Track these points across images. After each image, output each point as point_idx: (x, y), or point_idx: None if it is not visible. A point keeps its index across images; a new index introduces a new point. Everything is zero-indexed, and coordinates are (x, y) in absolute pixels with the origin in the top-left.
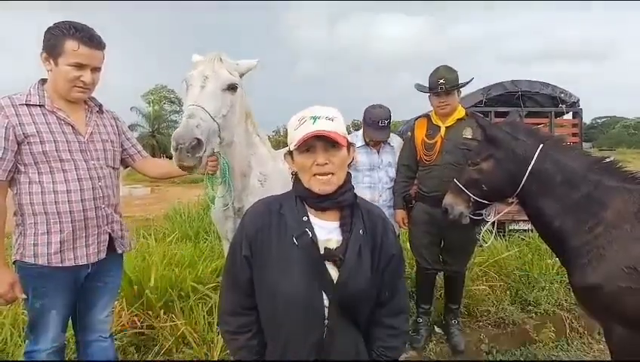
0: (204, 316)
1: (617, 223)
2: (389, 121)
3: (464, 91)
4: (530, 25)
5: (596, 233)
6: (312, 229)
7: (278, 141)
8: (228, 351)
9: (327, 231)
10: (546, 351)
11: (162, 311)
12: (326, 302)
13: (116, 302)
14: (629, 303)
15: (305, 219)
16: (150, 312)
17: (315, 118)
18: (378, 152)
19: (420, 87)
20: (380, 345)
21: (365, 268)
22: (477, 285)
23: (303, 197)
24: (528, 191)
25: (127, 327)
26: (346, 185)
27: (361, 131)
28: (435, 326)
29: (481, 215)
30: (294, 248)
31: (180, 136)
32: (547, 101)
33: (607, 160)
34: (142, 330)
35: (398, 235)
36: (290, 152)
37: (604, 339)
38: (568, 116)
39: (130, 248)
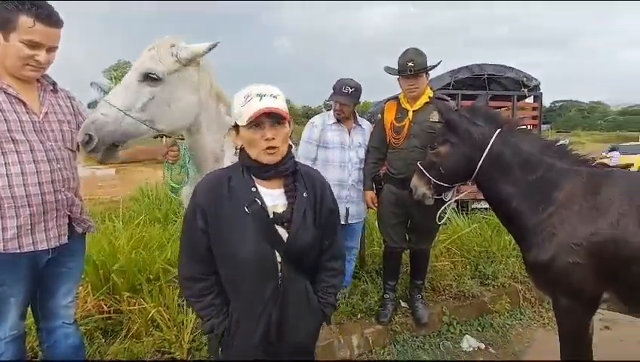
0: (174, 298)
1: (568, 204)
2: (356, 90)
3: (433, 73)
4: (498, 13)
5: (549, 213)
6: (260, 198)
7: None
8: (199, 332)
9: (273, 197)
10: (502, 320)
11: (130, 295)
12: (278, 258)
13: (81, 288)
14: (574, 277)
15: (253, 189)
16: (117, 296)
17: (260, 96)
18: (349, 132)
19: (389, 70)
20: (324, 285)
21: (309, 225)
22: (440, 261)
23: (249, 168)
24: (486, 174)
25: (93, 312)
26: (288, 155)
27: (332, 112)
28: (401, 301)
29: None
30: (246, 216)
31: (79, 131)
32: (511, 84)
33: (560, 143)
34: (109, 315)
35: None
36: (235, 127)
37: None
38: (531, 99)
39: (92, 230)
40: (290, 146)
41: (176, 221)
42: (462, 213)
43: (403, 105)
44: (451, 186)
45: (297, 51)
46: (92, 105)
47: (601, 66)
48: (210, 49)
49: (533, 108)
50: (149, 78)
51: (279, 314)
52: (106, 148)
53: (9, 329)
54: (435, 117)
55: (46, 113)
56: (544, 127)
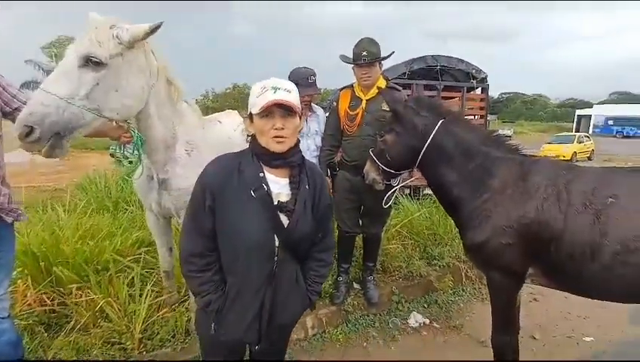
0: (124, 288)
1: (501, 189)
2: (316, 79)
3: (389, 63)
4: (450, 8)
5: (485, 198)
6: (267, 184)
7: (207, 106)
8: (151, 321)
9: (278, 186)
10: (446, 297)
11: (76, 287)
12: (277, 243)
13: (19, 281)
14: (506, 255)
15: (261, 175)
16: (62, 289)
17: (275, 89)
18: (306, 120)
19: (344, 58)
20: (313, 274)
21: (308, 216)
22: (392, 244)
23: (258, 155)
24: (429, 161)
25: (34, 306)
26: (296, 148)
27: None
28: (354, 283)
29: (395, 181)
30: (252, 199)
31: (15, 124)
32: (462, 76)
33: (496, 133)
34: (52, 308)
35: None
36: (249, 116)
37: None
38: (479, 91)
39: (22, 218)
40: (298, 140)
41: (127, 209)
42: (414, 199)
43: (357, 94)
44: (399, 172)
45: (258, 37)
46: (27, 85)
47: (542, 61)
48: (152, 30)
49: (481, 100)
50: (90, 62)
51: (272, 295)
52: (51, 141)
53: None
54: (386, 106)
55: None
56: (492, 117)
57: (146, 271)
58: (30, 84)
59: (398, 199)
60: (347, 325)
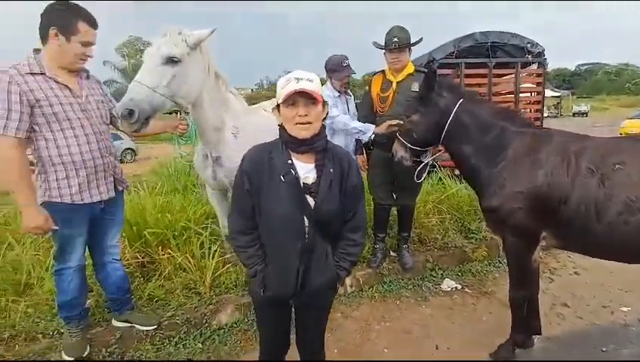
0: (196, 249)
1: (514, 159)
2: (349, 62)
3: (437, 43)
4: None
5: (500, 167)
6: (295, 169)
7: (262, 95)
8: (218, 274)
9: (305, 170)
10: (481, 267)
11: (160, 248)
12: (306, 222)
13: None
14: (516, 218)
15: (289, 161)
16: (150, 249)
17: (298, 79)
18: (347, 102)
19: (376, 44)
20: (342, 251)
21: (335, 196)
22: (429, 218)
23: (286, 143)
24: (451, 137)
25: (132, 262)
26: (321, 134)
27: (329, 85)
28: (391, 251)
29: (421, 158)
30: (282, 184)
31: (117, 109)
32: (516, 51)
33: (509, 109)
34: (143, 264)
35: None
36: (277, 107)
37: None
38: (537, 66)
39: (128, 186)
40: (323, 126)
41: (195, 191)
42: (454, 176)
43: (388, 77)
44: (425, 149)
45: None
46: (106, 83)
47: (621, 28)
48: (211, 33)
49: (537, 75)
50: (171, 60)
51: (305, 266)
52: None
53: (77, 260)
54: (415, 87)
55: (87, 96)
56: (565, 92)
57: (213, 238)
58: (108, 83)
59: (439, 176)
60: (382, 286)
